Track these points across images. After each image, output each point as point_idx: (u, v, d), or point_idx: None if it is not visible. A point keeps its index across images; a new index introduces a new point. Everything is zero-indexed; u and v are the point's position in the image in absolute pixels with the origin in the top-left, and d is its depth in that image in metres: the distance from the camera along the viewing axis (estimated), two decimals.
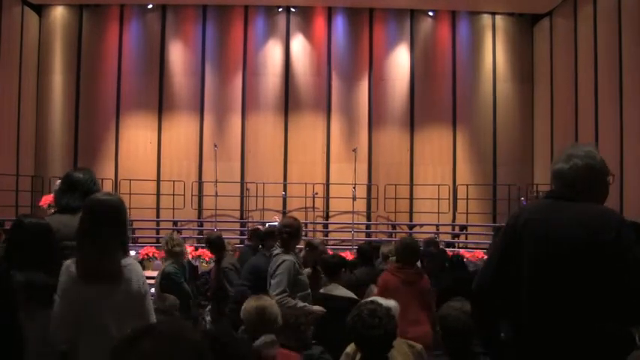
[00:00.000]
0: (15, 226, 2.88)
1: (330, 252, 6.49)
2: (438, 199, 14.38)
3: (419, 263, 5.27)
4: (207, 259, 12.19)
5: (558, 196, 2.42)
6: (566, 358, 2.25)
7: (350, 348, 3.31)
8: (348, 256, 9.00)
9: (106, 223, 2.72)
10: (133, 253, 6.90)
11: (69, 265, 2.68)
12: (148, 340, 1.13)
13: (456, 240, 14.09)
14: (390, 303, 3.46)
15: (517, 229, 2.38)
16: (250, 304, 3.39)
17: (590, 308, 2.23)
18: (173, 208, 14.12)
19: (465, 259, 8.18)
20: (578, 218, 2.30)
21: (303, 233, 5.96)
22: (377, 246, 7.02)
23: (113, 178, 14.44)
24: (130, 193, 13.45)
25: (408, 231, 14.87)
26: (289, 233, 4.66)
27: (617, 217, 2.33)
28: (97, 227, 2.71)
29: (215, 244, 6.44)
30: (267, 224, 12.23)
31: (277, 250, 4.66)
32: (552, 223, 2.32)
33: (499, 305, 2.41)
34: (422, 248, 5.92)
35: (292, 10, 15.08)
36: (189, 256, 12.16)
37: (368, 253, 6.29)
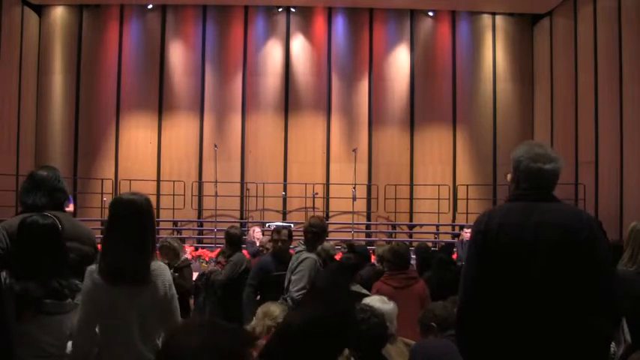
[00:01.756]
0: (19, 228, 2.78)
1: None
2: (438, 199, 14.38)
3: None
4: (207, 259, 12.20)
5: (528, 199, 2.39)
6: (551, 356, 2.27)
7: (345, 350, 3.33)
8: None
9: (131, 224, 2.67)
10: None
11: (92, 270, 2.65)
12: (195, 335, 1.21)
13: (455, 240, 14.07)
14: (388, 306, 3.48)
15: (490, 234, 2.35)
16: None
17: (571, 306, 2.25)
18: (173, 208, 14.12)
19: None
20: (554, 219, 2.32)
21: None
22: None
23: (113, 178, 14.44)
24: None
25: (408, 231, 14.89)
26: (315, 233, 4.70)
27: (588, 216, 2.38)
28: (122, 228, 2.67)
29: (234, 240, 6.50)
30: (267, 224, 12.26)
31: (300, 248, 4.69)
32: (528, 225, 2.32)
33: (483, 313, 2.34)
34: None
35: (292, 10, 15.09)
36: (190, 257, 12.16)
37: (366, 252, 6.32)
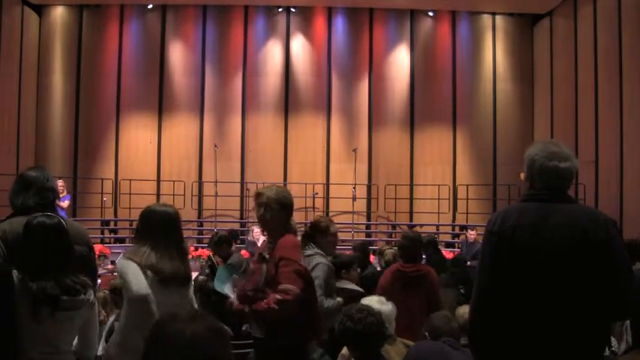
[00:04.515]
0: (26, 229, 2.78)
1: None
2: (438, 199, 14.38)
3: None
4: (206, 258, 12.19)
5: (544, 199, 2.38)
6: (561, 355, 2.27)
7: (345, 350, 3.34)
8: None
9: (169, 232, 3.02)
10: None
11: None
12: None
13: (456, 240, 14.08)
14: (387, 307, 3.48)
15: (504, 235, 2.34)
16: None
17: (587, 306, 2.25)
18: None
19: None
20: (571, 220, 2.31)
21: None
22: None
23: (113, 178, 14.43)
24: (130, 193, 13.45)
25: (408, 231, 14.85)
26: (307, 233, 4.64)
27: (604, 216, 2.36)
28: (162, 236, 2.99)
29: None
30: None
31: (310, 251, 4.28)
32: (545, 226, 2.31)
33: (497, 315, 2.34)
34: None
35: (292, 10, 15.08)
36: (189, 257, 12.15)
37: (367, 251, 6.32)
